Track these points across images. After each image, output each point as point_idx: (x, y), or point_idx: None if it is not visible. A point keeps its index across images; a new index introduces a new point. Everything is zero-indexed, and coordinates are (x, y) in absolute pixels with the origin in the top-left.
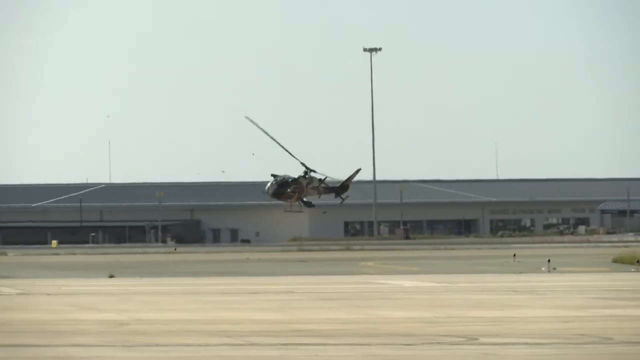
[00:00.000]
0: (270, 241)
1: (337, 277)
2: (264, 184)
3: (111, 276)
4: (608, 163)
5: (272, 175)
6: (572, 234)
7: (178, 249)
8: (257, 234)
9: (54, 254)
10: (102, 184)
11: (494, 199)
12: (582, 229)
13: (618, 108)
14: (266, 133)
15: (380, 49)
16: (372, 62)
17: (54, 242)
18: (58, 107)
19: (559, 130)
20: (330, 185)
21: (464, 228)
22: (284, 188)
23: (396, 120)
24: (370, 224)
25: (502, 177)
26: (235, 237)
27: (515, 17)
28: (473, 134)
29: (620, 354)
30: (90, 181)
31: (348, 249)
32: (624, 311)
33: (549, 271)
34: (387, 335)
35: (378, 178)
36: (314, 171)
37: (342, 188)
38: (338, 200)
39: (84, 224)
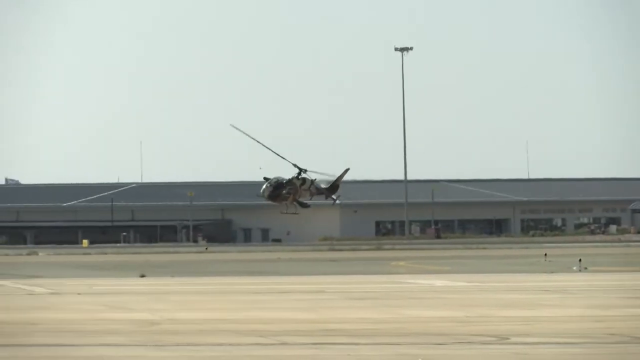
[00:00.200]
0: (301, 241)
1: (368, 276)
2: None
3: (142, 276)
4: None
5: (265, 178)
6: (603, 233)
7: (209, 249)
8: (288, 234)
9: (85, 253)
10: (133, 183)
11: (525, 199)
12: (613, 228)
13: None
14: (253, 138)
15: (411, 49)
16: (403, 61)
17: (85, 242)
18: (90, 107)
19: (590, 130)
20: (323, 185)
21: (495, 227)
22: (279, 190)
23: (427, 119)
24: (402, 223)
25: (533, 176)
26: (266, 237)
27: (546, 16)
28: (504, 133)
29: None
30: (121, 181)
31: (379, 249)
32: None
33: (580, 271)
34: (418, 334)
35: (409, 177)
36: (306, 170)
37: (331, 189)
38: (369, 200)
39: (115, 223)
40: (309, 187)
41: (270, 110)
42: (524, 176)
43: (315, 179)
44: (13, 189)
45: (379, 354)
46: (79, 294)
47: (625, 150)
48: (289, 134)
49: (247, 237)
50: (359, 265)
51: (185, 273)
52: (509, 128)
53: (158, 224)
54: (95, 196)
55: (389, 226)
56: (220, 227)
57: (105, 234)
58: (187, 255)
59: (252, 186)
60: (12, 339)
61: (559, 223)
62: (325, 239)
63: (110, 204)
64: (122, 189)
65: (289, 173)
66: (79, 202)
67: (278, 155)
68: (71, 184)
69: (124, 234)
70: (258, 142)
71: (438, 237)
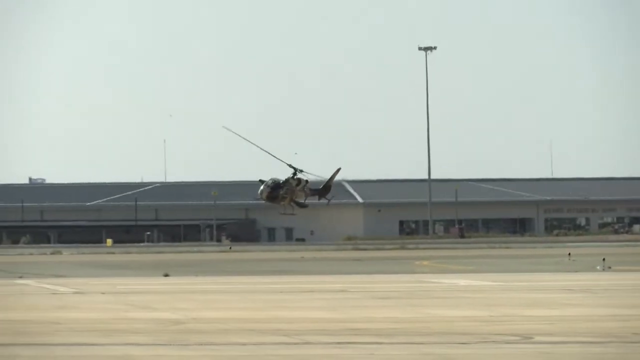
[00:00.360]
0: (325, 240)
1: (392, 275)
2: (321, 182)
3: (166, 275)
4: None
5: (260, 180)
6: (627, 232)
7: (233, 248)
8: (312, 233)
9: (109, 252)
10: (157, 182)
11: (548, 198)
12: (637, 227)
13: None
14: (246, 139)
15: (435, 48)
16: (427, 60)
17: (109, 241)
18: (114, 107)
19: (613, 129)
20: (316, 186)
21: (519, 227)
22: (276, 191)
23: (451, 119)
24: (426, 222)
25: (557, 176)
26: (290, 236)
27: (572, 14)
28: (528, 132)
29: None
30: (145, 180)
31: (403, 248)
32: None
33: (604, 270)
34: (442, 334)
35: (433, 177)
36: (302, 170)
37: (324, 190)
38: (393, 199)
39: (139, 222)
40: (304, 188)
41: (296, 109)
42: (548, 175)
43: (307, 181)
44: (37, 189)
45: (402, 353)
46: (102, 293)
47: None
48: (312, 134)
49: (271, 236)
50: (383, 264)
51: (209, 272)
52: (532, 127)
53: (182, 223)
54: (119, 195)
55: (413, 225)
56: (244, 226)
57: (128, 233)
58: (210, 254)
59: None
60: (37, 339)
61: (583, 222)
62: (349, 238)
63: (134, 203)
64: (145, 188)
65: (284, 173)
66: (103, 201)
67: (273, 155)
68: (95, 183)
69: (148, 233)
70: (252, 143)
71: (462, 236)
